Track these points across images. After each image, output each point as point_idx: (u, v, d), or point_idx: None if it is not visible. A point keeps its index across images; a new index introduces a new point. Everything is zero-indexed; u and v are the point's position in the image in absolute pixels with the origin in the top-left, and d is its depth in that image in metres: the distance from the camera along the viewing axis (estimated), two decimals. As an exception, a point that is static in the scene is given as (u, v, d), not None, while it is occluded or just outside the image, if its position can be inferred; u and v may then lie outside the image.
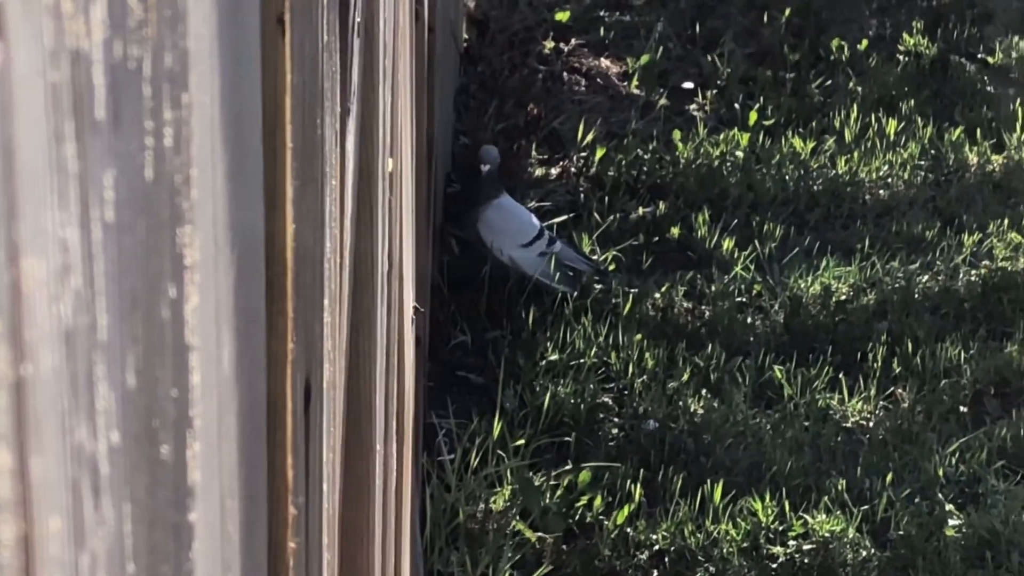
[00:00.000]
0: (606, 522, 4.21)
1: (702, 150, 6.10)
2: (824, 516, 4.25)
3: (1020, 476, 4.44)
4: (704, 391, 4.72)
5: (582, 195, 5.78)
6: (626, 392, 4.72)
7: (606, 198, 5.75)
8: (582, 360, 4.78)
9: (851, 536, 4.20)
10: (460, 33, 6.21)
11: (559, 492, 4.26)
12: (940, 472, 4.41)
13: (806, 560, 4.18)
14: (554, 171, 5.92)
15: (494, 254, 5.04)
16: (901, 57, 7.11)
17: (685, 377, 4.74)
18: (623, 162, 5.93)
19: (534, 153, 5.95)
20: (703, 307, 5.17)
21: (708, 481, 4.34)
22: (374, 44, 1.49)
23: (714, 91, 6.61)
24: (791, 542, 4.21)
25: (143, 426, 0.55)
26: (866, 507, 4.29)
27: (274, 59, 0.85)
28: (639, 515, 4.26)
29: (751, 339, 5.01)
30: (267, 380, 0.88)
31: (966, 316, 5.20)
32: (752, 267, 5.38)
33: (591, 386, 4.67)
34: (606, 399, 4.69)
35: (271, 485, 0.90)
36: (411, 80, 2.90)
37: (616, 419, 4.63)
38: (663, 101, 6.47)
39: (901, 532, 4.22)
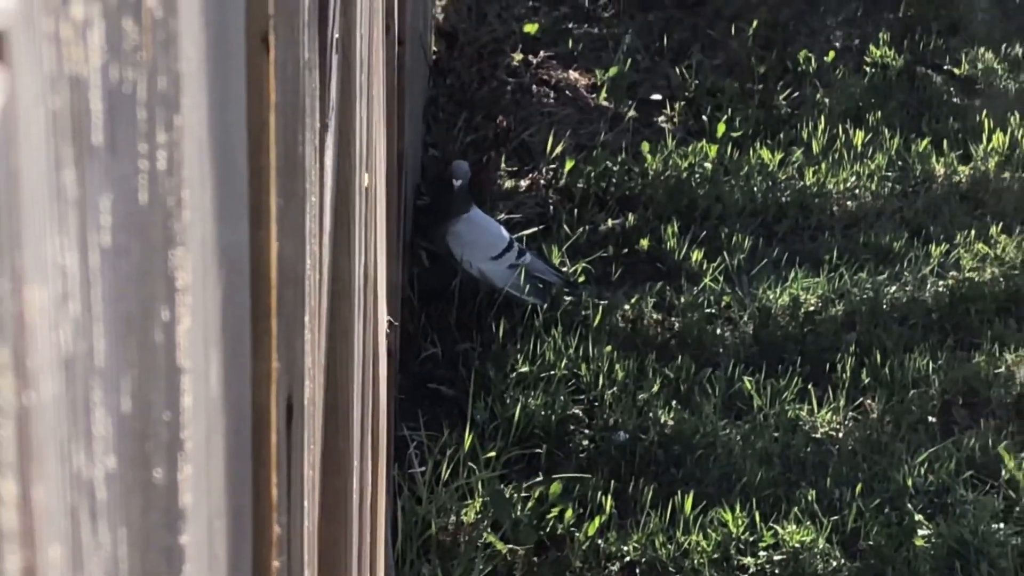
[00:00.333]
0: (577, 534, 4.21)
1: (671, 162, 6.11)
2: (794, 526, 4.26)
3: (989, 486, 4.46)
4: (674, 402, 4.72)
5: (551, 207, 5.79)
6: (596, 404, 4.72)
7: (575, 210, 5.76)
8: (552, 372, 4.78)
9: (821, 546, 4.21)
10: (429, 46, 6.22)
11: (530, 504, 4.26)
12: (909, 482, 4.43)
13: (776, 571, 4.19)
14: (523, 183, 5.92)
15: (464, 267, 5.05)
16: (868, 68, 7.14)
17: (655, 388, 4.75)
18: (592, 174, 5.94)
19: (503, 165, 5.96)
20: (672, 318, 5.18)
21: (678, 492, 4.35)
22: (351, 60, 1.49)
23: (682, 103, 6.63)
24: (761, 553, 4.22)
25: (137, 450, 0.55)
26: (836, 517, 4.30)
27: (259, 78, 0.85)
28: (610, 526, 4.27)
29: (720, 350, 5.02)
30: (252, 398, 0.88)
31: (934, 327, 5.22)
32: (721, 278, 5.39)
33: (561, 398, 4.67)
34: (576, 411, 4.69)
35: (256, 504, 0.90)
36: (384, 91, 2.90)
37: (586, 431, 4.63)
38: (632, 113, 6.49)
39: (871, 542, 4.23)
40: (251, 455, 0.87)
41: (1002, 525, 4.29)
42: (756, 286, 5.34)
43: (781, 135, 6.45)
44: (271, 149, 0.86)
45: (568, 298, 5.16)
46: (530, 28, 6.93)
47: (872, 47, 7.29)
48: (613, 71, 6.67)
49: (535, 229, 5.58)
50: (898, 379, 4.87)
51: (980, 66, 7.29)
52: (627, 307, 5.17)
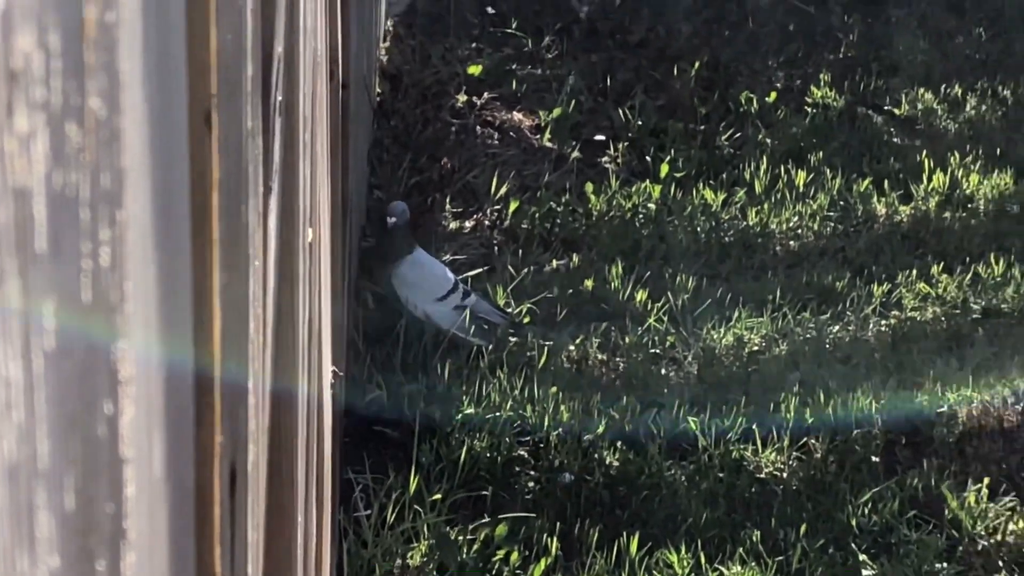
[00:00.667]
0: (523, 576, 4.21)
1: (614, 202, 6.14)
2: (739, 567, 4.27)
3: (932, 525, 4.48)
4: (619, 443, 4.73)
5: (496, 248, 5.80)
6: (542, 445, 4.72)
7: (520, 251, 5.77)
8: (498, 413, 4.78)
9: (766, 587, 4.22)
10: (374, 88, 6.23)
11: (476, 546, 4.26)
12: (853, 522, 4.45)
13: (722, 611, 4.19)
14: (468, 224, 5.93)
15: (409, 309, 5.05)
16: (809, 109, 7.20)
17: (600, 429, 4.75)
18: (536, 215, 5.96)
19: (448, 207, 5.97)
20: (617, 359, 5.19)
21: (624, 533, 4.35)
22: (294, 120, 1.50)
23: (626, 143, 6.66)
24: (707, 594, 4.23)
25: (80, 546, 0.56)
26: (781, 558, 4.32)
27: (202, 157, 0.85)
28: (556, 568, 4.26)
29: (665, 390, 5.03)
30: (195, 474, 0.88)
31: (877, 366, 5.25)
32: (665, 318, 5.41)
33: (507, 439, 4.67)
34: (522, 452, 4.69)
35: (199, 577, 0.90)
36: (328, 141, 2.90)
37: (532, 472, 4.63)
38: (575, 154, 6.52)
39: (816, 583, 4.24)
40: (194, 531, 0.88)
41: (945, 564, 4.31)
42: (700, 326, 5.37)
43: (724, 175, 6.50)
44: (213, 225, 0.87)
45: (513, 339, 5.17)
46: (474, 69, 6.96)
47: (813, 88, 7.35)
48: (557, 112, 6.70)
49: (480, 270, 5.59)
50: (841, 419, 4.89)
51: (920, 106, 7.36)
52: (572, 348, 5.19)
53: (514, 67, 7.19)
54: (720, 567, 4.28)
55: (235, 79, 0.98)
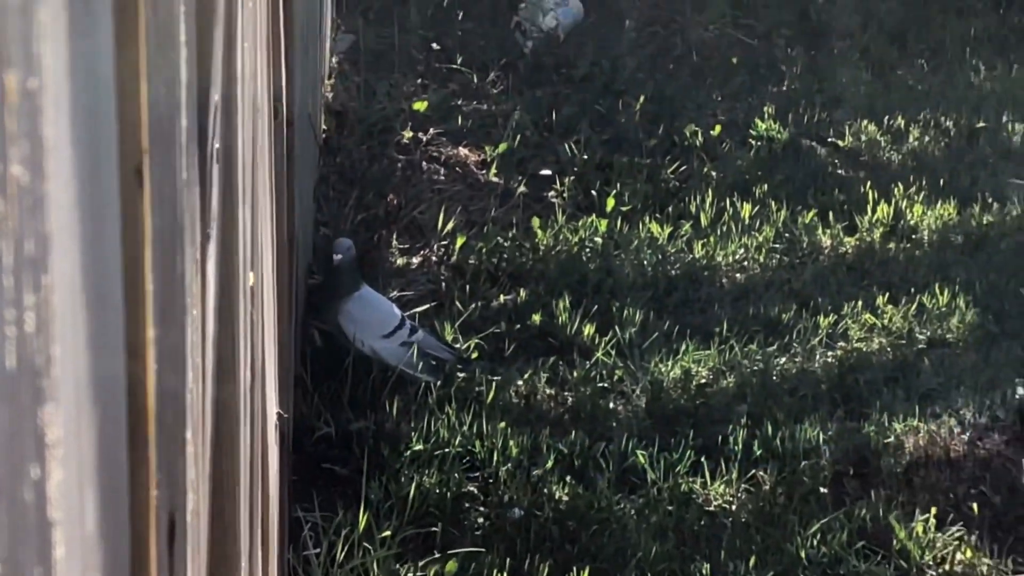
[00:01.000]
0: (474, 613, 4.20)
1: (561, 236, 6.16)
2: (689, 601, 4.28)
3: (881, 556, 4.50)
4: (568, 477, 4.73)
5: (443, 284, 5.80)
6: (491, 480, 4.72)
7: (467, 286, 5.78)
8: (447, 449, 4.78)
9: (716, 620, 4.22)
10: (319, 125, 6.23)
11: (426, 584, 4.25)
12: (802, 554, 4.46)
13: (673, 646, 4.19)
14: (415, 260, 5.94)
15: (356, 346, 5.04)
16: (754, 142, 7.24)
17: (549, 464, 4.75)
18: (484, 250, 5.97)
19: (395, 243, 5.97)
20: (566, 393, 5.20)
21: (574, 568, 4.35)
22: (233, 166, 1.50)
23: (572, 178, 6.68)
24: (657, 628, 4.23)
25: (8, 611, 0.56)
26: (730, 591, 4.32)
27: (133, 212, 0.86)
28: (506, 604, 4.26)
29: (614, 424, 5.04)
30: (130, 529, 0.88)
31: (824, 397, 5.27)
32: (613, 352, 5.42)
33: (456, 475, 4.67)
34: (471, 488, 4.69)
35: (136, 632, 0.90)
36: (271, 181, 2.90)
37: (482, 508, 4.63)
38: (522, 188, 6.53)
39: (765, 615, 4.25)
40: (130, 585, 0.88)
41: (894, 595, 4.33)
42: (648, 359, 5.38)
43: (670, 208, 6.52)
44: (147, 279, 0.87)
45: (461, 375, 5.16)
46: (419, 105, 6.97)
47: (757, 120, 7.39)
48: (503, 147, 6.71)
49: (427, 306, 5.59)
50: (789, 450, 4.91)
51: (864, 138, 7.42)
52: (520, 383, 5.19)
53: (459, 103, 7.21)
54: (670, 601, 4.28)
55: (169, 131, 0.98)
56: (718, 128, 7.24)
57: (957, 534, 4.56)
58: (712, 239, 6.28)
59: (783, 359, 5.47)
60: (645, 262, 6.07)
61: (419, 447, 4.77)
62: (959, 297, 5.96)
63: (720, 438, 4.99)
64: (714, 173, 6.87)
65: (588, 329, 5.54)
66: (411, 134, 6.74)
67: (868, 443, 4.99)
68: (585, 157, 6.82)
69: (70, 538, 0.66)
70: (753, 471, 4.82)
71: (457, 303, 5.61)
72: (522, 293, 5.80)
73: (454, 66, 7.61)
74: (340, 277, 5.14)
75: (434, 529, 4.50)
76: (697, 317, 5.78)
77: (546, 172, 6.72)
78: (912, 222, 6.63)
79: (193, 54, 1.13)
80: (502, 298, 5.76)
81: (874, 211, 6.64)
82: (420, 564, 4.34)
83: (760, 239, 6.33)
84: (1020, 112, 7.97)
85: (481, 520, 4.58)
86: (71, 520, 0.67)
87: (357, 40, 7.62)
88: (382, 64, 7.48)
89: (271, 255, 2.67)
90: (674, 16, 8.51)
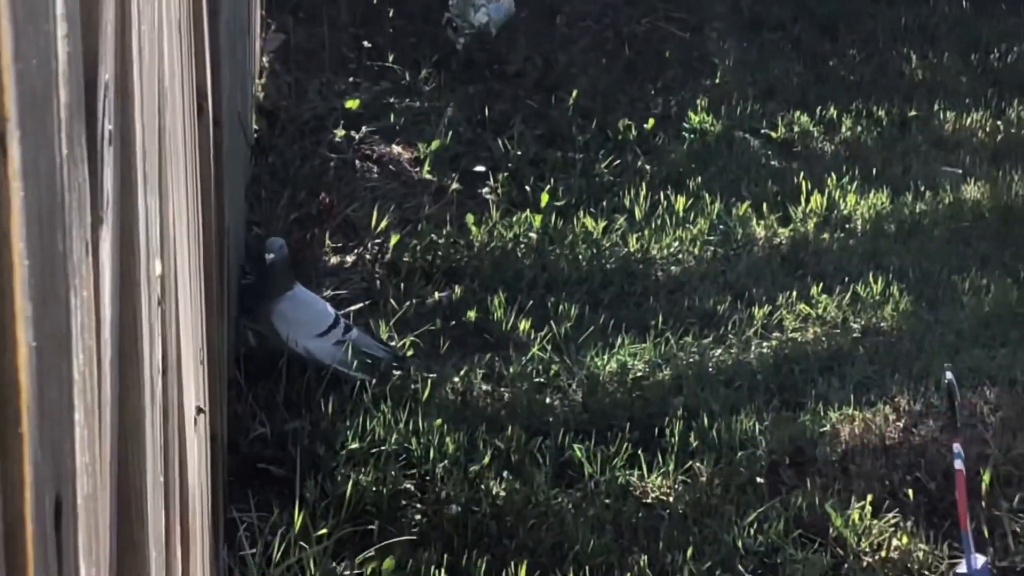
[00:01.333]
0: (411, 609, 4.19)
1: (496, 233, 6.15)
2: (627, 593, 4.27)
3: (818, 544, 4.51)
4: (505, 473, 4.72)
5: (378, 282, 5.78)
6: (428, 477, 4.71)
7: (402, 284, 5.76)
8: (383, 447, 4.76)
9: (654, 612, 4.22)
10: (250, 124, 6.19)
11: (363, 582, 4.23)
12: (739, 544, 4.46)
13: (611, 638, 4.19)
14: (349, 259, 5.91)
15: (290, 346, 5.02)
16: (687, 135, 7.26)
17: (486, 460, 4.74)
18: (418, 247, 5.95)
19: (328, 242, 5.94)
20: (502, 389, 5.19)
21: (512, 563, 4.34)
22: (131, 151, 1.48)
23: (505, 174, 6.68)
24: (596, 621, 4.22)
25: None
26: (668, 582, 4.32)
27: (-4, 178, 0.84)
28: (444, 601, 4.24)
29: (550, 419, 5.03)
30: (3, 509, 0.86)
31: (759, 388, 5.28)
32: (549, 347, 5.42)
33: (392, 473, 4.65)
34: (408, 485, 4.67)
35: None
36: (193, 176, 2.88)
37: (419, 505, 4.61)
38: (455, 185, 6.52)
39: (703, 605, 4.25)
40: (4, 566, 0.86)
41: (831, 582, 4.34)
42: (584, 354, 5.38)
43: (604, 203, 6.52)
44: (14, 250, 0.85)
45: (397, 373, 5.15)
46: (351, 103, 6.95)
47: (691, 113, 7.41)
48: (436, 144, 6.70)
49: (362, 305, 5.57)
50: (725, 441, 4.91)
51: (796, 129, 7.45)
52: (456, 379, 5.18)
53: (392, 100, 7.19)
54: (608, 593, 4.27)
55: (43, 103, 0.97)
56: (651, 122, 7.25)
57: (893, 520, 4.57)
58: (647, 232, 6.28)
59: (718, 351, 5.47)
60: (580, 257, 6.07)
61: (355, 445, 4.75)
62: (893, 285, 5.99)
63: (656, 430, 4.99)
64: (648, 167, 6.87)
65: (524, 324, 5.54)
66: (343, 132, 6.71)
67: (804, 432, 5.00)
68: (519, 153, 6.81)
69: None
70: (690, 462, 4.82)
71: (392, 301, 5.60)
72: (457, 290, 5.79)
73: (386, 64, 7.59)
74: (272, 277, 5.12)
75: (371, 527, 4.48)
76: (632, 310, 5.79)
77: (480, 169, 6.72)
78: (845, 212, 6.66)
79: (76, 29, 1.11)
80: (437, 295, 5.74)
81: (808, 201, 6.66)
82: (357, 561, 4.32)
83: (694, 232, 6.34)
84: (951, 100, 8.02)
85: (418, 517, 4.56)
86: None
87: (288, 39, 7.59)
88: (313, 63, 7.45)
89: (194, 250, 2.65)
90: (606, 10, 8.51)
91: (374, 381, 5.06)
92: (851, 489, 4.72)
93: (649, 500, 4.70)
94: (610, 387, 5.22)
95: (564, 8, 8.50)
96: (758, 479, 4.78)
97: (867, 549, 4.48)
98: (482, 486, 4.65)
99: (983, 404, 5.18)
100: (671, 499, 4.69)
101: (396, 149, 6.75)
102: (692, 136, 7.23)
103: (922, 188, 6.93)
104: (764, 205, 6.56)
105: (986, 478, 4.73)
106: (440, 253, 5.98)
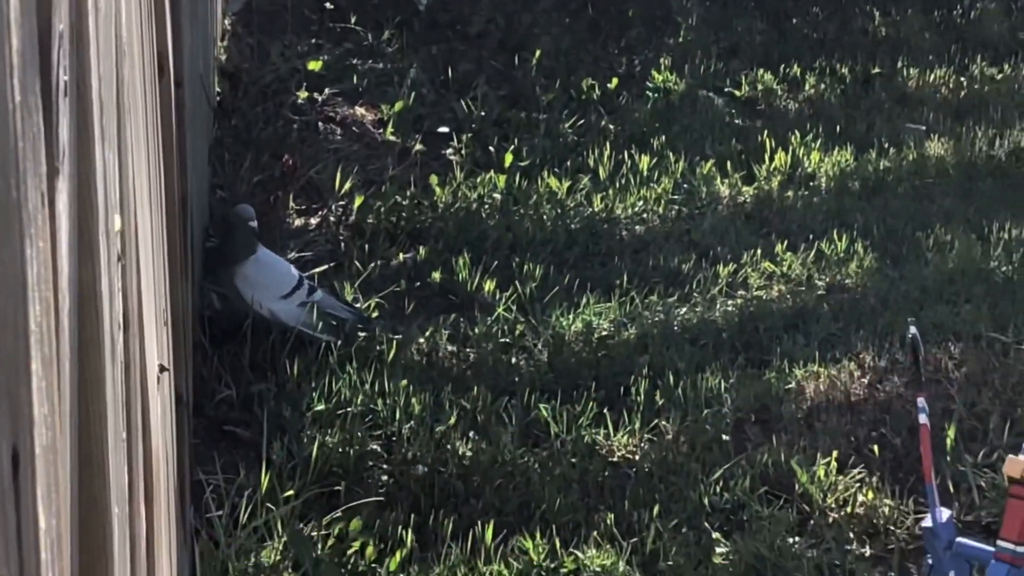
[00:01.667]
0: (379, 569, 4.18)
1: (460, 194, 6.14)
2: (594, 551, 4.28)
3: (783, 500, 4.52)
4: (472, 433, 4.72)
5: (342, 243, 5.77)
6: (394, 438, 4.70)
7: (366, 246, 5.75)
8: (349, 408, 4.76)
9: (621, 569, 4.23)
10: (212, 87, 6.16)
11: (330, 542, 4.23)
12: (706, 501, 4.48)
13: (578, 596, 4.20)
14: (313, 221, 5.90)
15: (254, 308, 5.00)
16: (650, 94, 7.25)
17: (452, 420, 4.74)
18: (382, 209, 5.94)
19: (292, 204, 5.92)
20: (467, 350, 5.19)
21: (479, 523, 4.34)
22: (87, 103, 1.47)
23: (469, 135, 6.66)
24: (563, 579, 4.23)
25: None
26: (635, 539, 4.33)
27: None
28: (412, 560, 4.25)
29: (516, 379, 5.04)
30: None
31: (725, 346, 5.29)
32: (514, 308, 5.42)
33: (359, 434, 4.65)
34: (374, 446, 4.67)
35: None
36: (154, 136, 2.86)
37: (385, 465, 4.61)
38: (419, 147, 6.50)
39: (670, 562, 4.26)
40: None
41: (797, 539, 4.35)
42: (549, 313, 5.38)
43: (568, 163, 6.52)
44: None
45: (362, 334, 5.14)
46: (314, 65, 6.92)
47: (654, 72, 7.40)
48: (399, 106, 6.68)
49: (326, 267, 5.55)
50: (691, 399, 4.92)
51: (760, 87, 7.45)
52: (421, 340, 5.17)
53: (355, 62, 7.16)
54: (575, 551, 4.28)
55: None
56: (615, 81, 7.24)
57: (858, 476, 4.59)
58: (611, 192, 6.28)
59: (683, 309, 5.48)
60: (544, 217, 6.07)
61: (321, 407, 4.75)
62: (857, 242, 6.00)
63: (622, 389, 5.00)
64: (612, 126, 6.87)
65: (488, 285, 5.53)
66: (306, 95, 6.69)
67: (769, 390, 5.01)
68: (482, 114, 6.80)
69: None
70: (656, 421, 4.83)
71: (356, 263, 5.59)
72: (422, 251, 5.78)
73: (348, 25, 7.56)
74: (236, 239, 5.09)
75: (338, 488, 4.48)
76: (597, 270, 5.79)
77: (443, 130, 6.70)
78: (809, 169, 6.67)
79: (28, -24, 1.10)
80: (401, 257, 5.74)
81: (771, 160, 6.67)
82: (324, 522, 4.32)
83: (659, 191, 6.34)
84: (914, 57, 8.03)
85: (385, 477, 4.56)
86: None
87: (250, 1, 7.55)
88: (275, 25, 7.42)
89: (155, 210, 2.63)
90: (569, -30, 8.49)
91: (339, 342, 5.05)
92: (816, 445, 4.74)
93: (615, 459, 4.70)
94: (575, 347, 5.22)
95: (527, -32, 8.48)
96: (724, 437, 4.79)
97: (833, 505, 4.50)
98: (448, 446, 4.65)
99: (947, 359, 5.20)
100: (637, 457, 4.70)
101: (359, 111, 6.73)
102: (656, 95, 7.22)
103: (886, 145, 6.94)
104: (728, 164, 6.56)
105: (951, 433, 4.75)
106: (404, 215, 5.97)
